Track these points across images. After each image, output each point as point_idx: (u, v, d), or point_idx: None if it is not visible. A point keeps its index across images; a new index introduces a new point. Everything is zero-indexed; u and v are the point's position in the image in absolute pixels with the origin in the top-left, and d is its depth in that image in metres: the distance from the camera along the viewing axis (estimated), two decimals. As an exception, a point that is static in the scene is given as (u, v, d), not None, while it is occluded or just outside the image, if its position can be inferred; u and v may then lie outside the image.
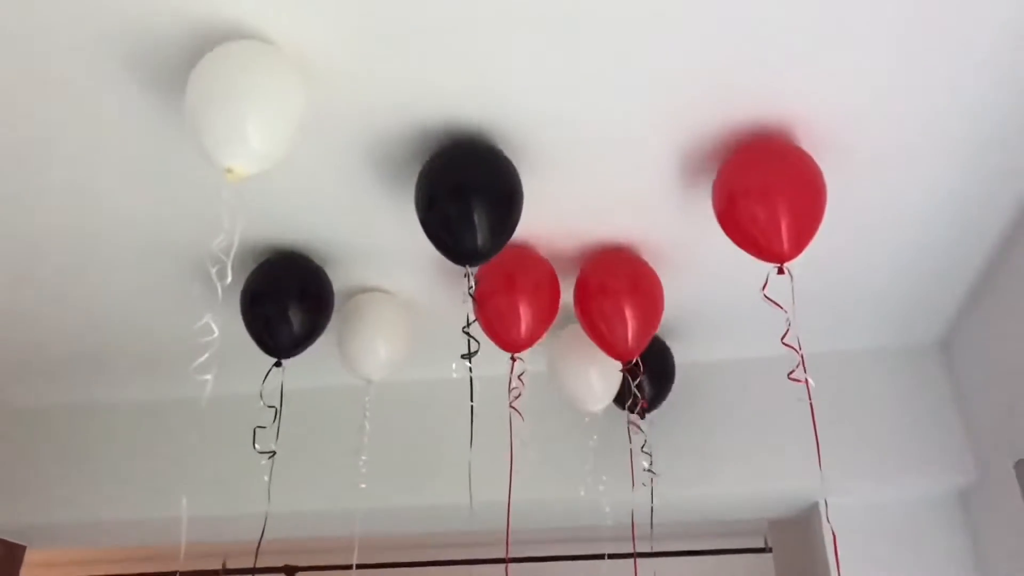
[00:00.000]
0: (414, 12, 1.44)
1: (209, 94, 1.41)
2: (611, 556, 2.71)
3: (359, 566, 2.35)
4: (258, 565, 2.29)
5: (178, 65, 1.52)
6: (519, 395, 2.01)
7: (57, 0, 1.40)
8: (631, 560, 2.21)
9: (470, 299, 1.72)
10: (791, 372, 1.65)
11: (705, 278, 2.25)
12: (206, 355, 1.43)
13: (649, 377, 2.28)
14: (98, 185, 1.88)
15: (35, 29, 1.46)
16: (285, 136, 1.46)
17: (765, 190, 1.68)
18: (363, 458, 2.27)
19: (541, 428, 2.48)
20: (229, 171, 1.41)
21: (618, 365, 2.09)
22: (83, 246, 2.10)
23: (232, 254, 1.44)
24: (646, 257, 2.13)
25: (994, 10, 1.45)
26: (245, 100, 1.41)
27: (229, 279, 1.43)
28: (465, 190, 1.70)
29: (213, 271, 1.43)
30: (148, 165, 1.81)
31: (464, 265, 1.73)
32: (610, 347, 2.09)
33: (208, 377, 1.42)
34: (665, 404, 2.51)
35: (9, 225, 2.01)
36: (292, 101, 1.47)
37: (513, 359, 2.02)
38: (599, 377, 2.28)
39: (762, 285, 1.68)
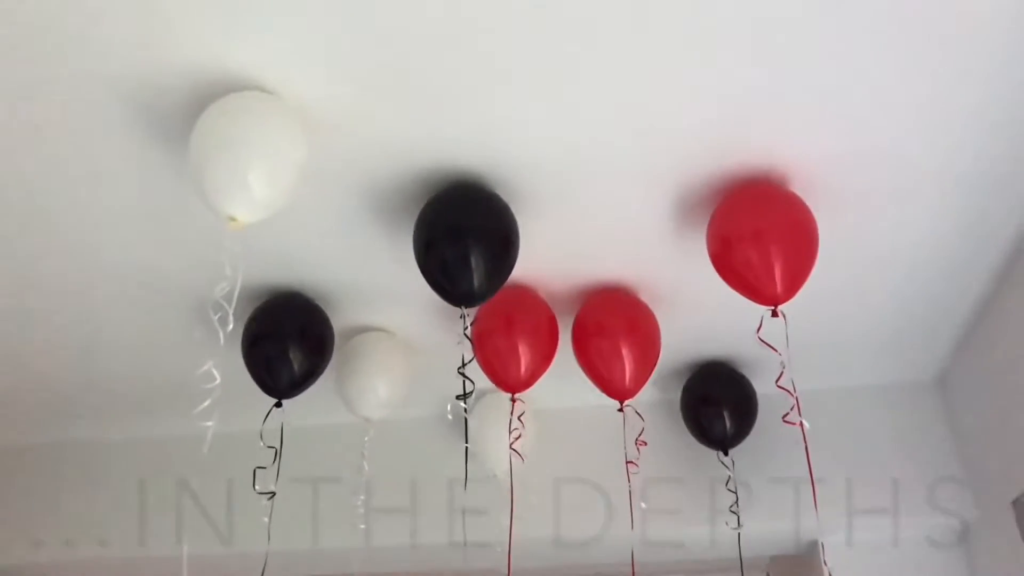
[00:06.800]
0: (412, 64, 1.48)
1: (212, 144, 1.45)
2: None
3: (358, 605, 2.35)
4: (257, 604, 2.28)
5: (182, 116, 1.55)
6: (519, 436, 2.02)
7: (61, 53, 1.44)
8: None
9: (466, 340, 1.74)
10: (786, 415, 1.66)
11: (703, 318, 2.27)
12: (207, 402, 1.44)
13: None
14: (102, 233, 1.92)
15: (41, 81, 1.50)
16: (287, 185, 1.49)
17: (758, 234, 1.70)
18: (361, 497, 2.28)
19: (543, 466, 2.49)
20: (232, 220, 1.44)
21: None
22: (88, 292, 2.13)
23: (234, 301, 1.47)
24: (644, 298, 2.15)
25: (985, 54, 1.48)
26: (247, 150, 1.44)
27: (231, 326, 1.45)
28: (462, 233, 1.72)
29: (215, 318, 1.45)
30: (152, 214, 1.85)
31: (461, 307, 1.74)
32: (608, 387, 2.11)
33: (210, 424, 1.43)
34: (666, 441, 2.54)
35: (16, 270, 2.05)
36: (293, 150, 1.50)
37: (513, 400, 2.04)
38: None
39: (757, 327, 1.70)
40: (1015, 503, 2.11)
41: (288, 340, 2.08)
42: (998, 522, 2.22)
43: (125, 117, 1.58)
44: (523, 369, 2.04)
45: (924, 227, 1.94)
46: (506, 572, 1.95)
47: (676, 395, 2.56)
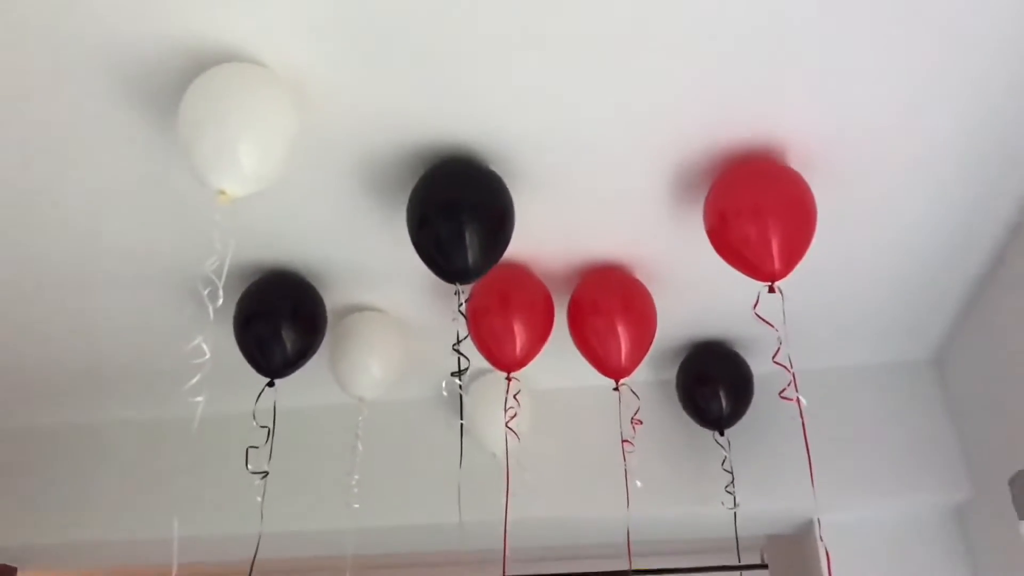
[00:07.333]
0: (406, 36, 1.45)
1: (201, 117, 1.42)
2: (610, 574, 2.69)
3: (352, 585, 2.34)
4: (251, 585, 2.26)
5: (171, 88, 1.52)
6: (515, 415, 2.00)
7: (49, 24, 1.41)
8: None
9: (461, 317, 1.72)
10: (782, 391, 1.65)
11: (699, 297, 2.25)
12: (197, 377, 1.42)
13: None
14: (90, 207, 1.89)
15: (29, 54, 1.47)
16: (277, 158, 1.46)
17: (756, 209, 1.68)
18: (355, 477, 2.26)
19: (539, 445, 2.48)
20: (221, 193, 1.41)
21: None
22: (76, 269, 2.10)
23: (224, 276, 1.44)
24: (639, 276, 2.13)
25: (986, 36, 1.46)
26: (237, 122, 1.42)
27: (221, 301, 1.43)
28: (456, 208, 1.70)
29: (205, 293, 1.43)
30: (141, 187, 1.82)
31: (455, 283, 1.73)
32: (604, 366, 2.09)
33: (200, 399, 1.41)
34: (663, 422, 2.54)
35: (4, 251, 2.02)
36: (284, 123, 1.48)
37: (508, 379, 2.03)
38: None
39: (754, 303, 1.69)
40: (1012, 481, 2.11)
41: (280, 319, 2.06)
42: (994, 500, 2.22)
43: (113, 91, 1.55)
44: (518, 348, 2.02)
45: (922, 207, 1.93)
46: (502, 551, 1.94)
47: (672, 375, 2.55)
